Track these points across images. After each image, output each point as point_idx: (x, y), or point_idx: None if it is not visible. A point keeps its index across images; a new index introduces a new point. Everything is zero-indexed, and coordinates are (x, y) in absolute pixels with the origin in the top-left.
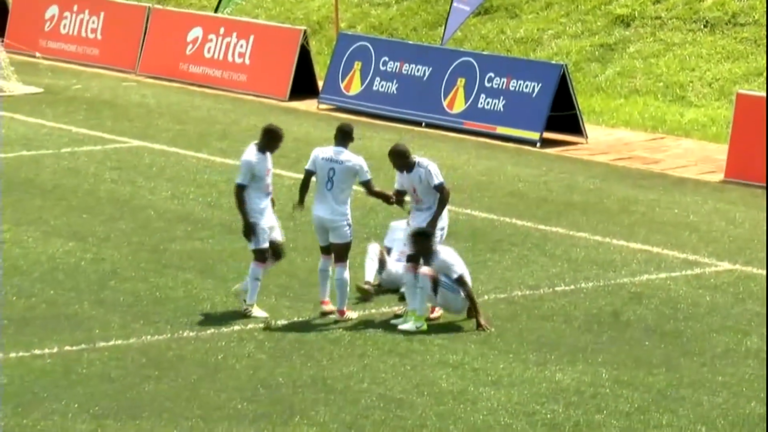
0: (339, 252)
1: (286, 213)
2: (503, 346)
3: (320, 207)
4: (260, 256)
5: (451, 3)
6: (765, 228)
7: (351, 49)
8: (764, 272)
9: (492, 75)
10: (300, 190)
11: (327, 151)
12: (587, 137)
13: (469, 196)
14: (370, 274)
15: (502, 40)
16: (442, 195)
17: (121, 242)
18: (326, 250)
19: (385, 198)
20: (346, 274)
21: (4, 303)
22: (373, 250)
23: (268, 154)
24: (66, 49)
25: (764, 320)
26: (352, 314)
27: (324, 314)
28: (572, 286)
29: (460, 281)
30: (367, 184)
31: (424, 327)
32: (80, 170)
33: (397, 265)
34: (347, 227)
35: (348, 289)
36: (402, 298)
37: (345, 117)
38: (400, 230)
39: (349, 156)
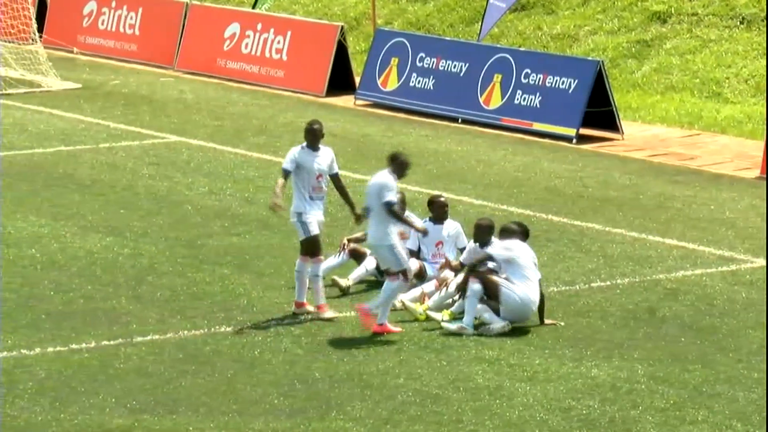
0: (305, 249)
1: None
2: (539, 342)
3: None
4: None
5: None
6: (765, 220)
7: (388, 45)
8: None
9: (528, 71)
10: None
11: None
12: (623, 133)
13: (506, 192)
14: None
15: (539, 36)
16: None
17: (159, 237)
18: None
19: (350, 206)
20: (321, 271)
21: (42, 298)
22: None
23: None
24: (104, 45)
25: None
26: (331, 313)
27: (296, 314)
28: (608, 282)
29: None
30: (334, 178)
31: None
32: (118, 165)
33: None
34: (299, 224)
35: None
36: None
37: (382, 113)
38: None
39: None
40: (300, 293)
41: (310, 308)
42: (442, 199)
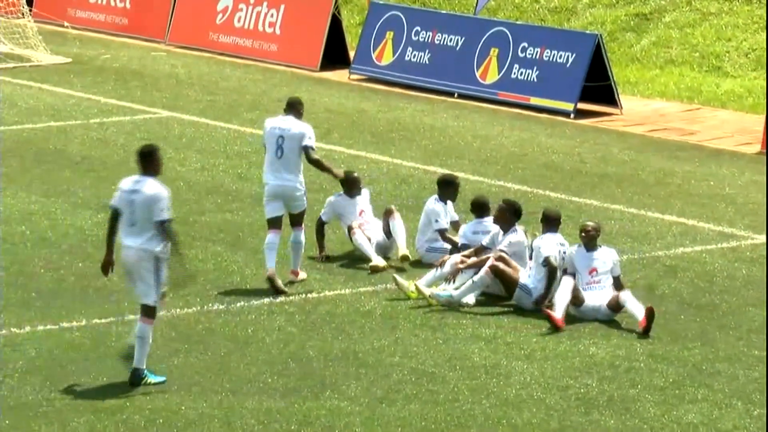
0: (298, 219)
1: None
2: (536, 320)
3: (273, 176)
4: None
5: None
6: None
7: (383, 18)
8: None
9: (526, 45)
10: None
11: (276, 120)
12: (622, 108)
13: (503, 168)
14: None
15: (536, 9)
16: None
17: None
18: (274, 222)
19: (330, 171)
20: (302, 237)
21: (32, 276)
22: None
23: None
24: (95, 19)
25: None
26: (303, 274)
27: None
28: None
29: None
30: (306, 151)
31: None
32: (109, 141)
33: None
34: (303, 195)
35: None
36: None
37: (377, 87)
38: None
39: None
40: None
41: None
42: (590, 224)
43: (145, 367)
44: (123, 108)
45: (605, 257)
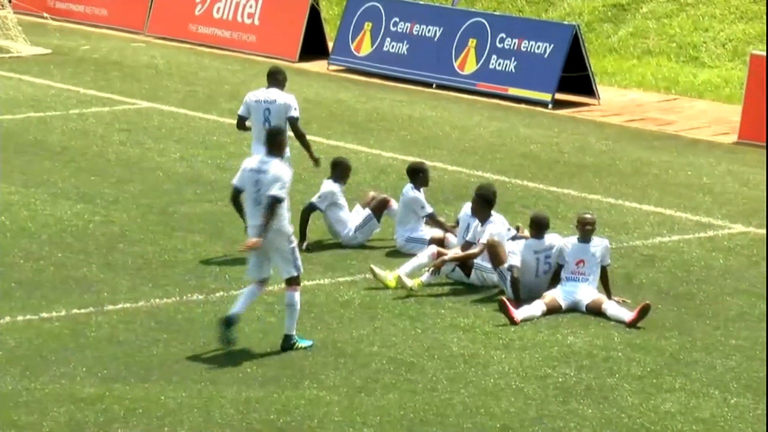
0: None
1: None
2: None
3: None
4: None
5: None
6: (765, 189)
7: (361, 9)
8: None
9: (503, 36)
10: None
11: (259, 93)
12: (600, 98)
13: (481, 158)
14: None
15: (514, 0)
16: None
17: (130, 204)
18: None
19: (309, 150)
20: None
21: (12, 266)
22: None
23: None
24: (74, 10)
25: None
26: None
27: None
28: None
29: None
30: (291, 122)
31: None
32: (89, 132)
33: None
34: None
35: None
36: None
37: (355, 78)
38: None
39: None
40: None
41: None
42: (588, 216)
43: (294, 332)
44: (102, 99)
45: (596, 248)
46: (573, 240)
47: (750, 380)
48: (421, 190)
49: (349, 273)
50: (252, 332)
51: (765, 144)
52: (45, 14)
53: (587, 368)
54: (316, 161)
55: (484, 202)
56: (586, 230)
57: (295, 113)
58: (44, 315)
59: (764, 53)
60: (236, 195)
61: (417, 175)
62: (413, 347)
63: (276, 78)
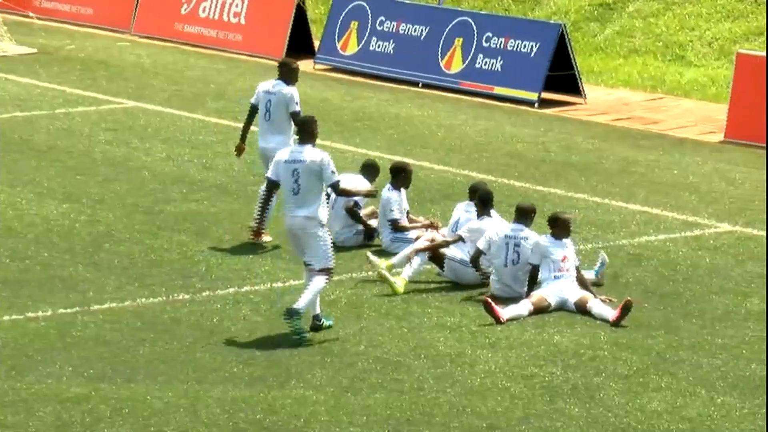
0: None
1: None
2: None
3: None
4: None
5: None
6: (765, 189)
7: (347, 8)
8: (764, 233)
9: (490, 34)
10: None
11: (267, 83)
12: (586, 97)
13: (467, 157)
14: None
15: None
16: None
17: (116, 204)
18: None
19: None
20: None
21: None
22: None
23: None
24: (60, 9)
25: (764, 282)
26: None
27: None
28: None
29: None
30: (293, 116)
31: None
32: (75, 131)
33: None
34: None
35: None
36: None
37: (341, 77)
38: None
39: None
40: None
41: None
42: (567, 214)
43: (302, 307)
44: (88, 98)
45: (571, 246)
46: (548, 238)
47: (736, 379)
48: (402, 190)
49: (336, 273)
50: (238, 332)
51: (765, 145)
52: (30, 13)
53: (574, 367)
54: None
55: (480, 200)
56: (565, 228)
57: (296, 107)
58: (30, 314)
59: (751, 52)
60: (270, 187)
61: (399, 174)
62: (400, 346)
63: (282, 70)
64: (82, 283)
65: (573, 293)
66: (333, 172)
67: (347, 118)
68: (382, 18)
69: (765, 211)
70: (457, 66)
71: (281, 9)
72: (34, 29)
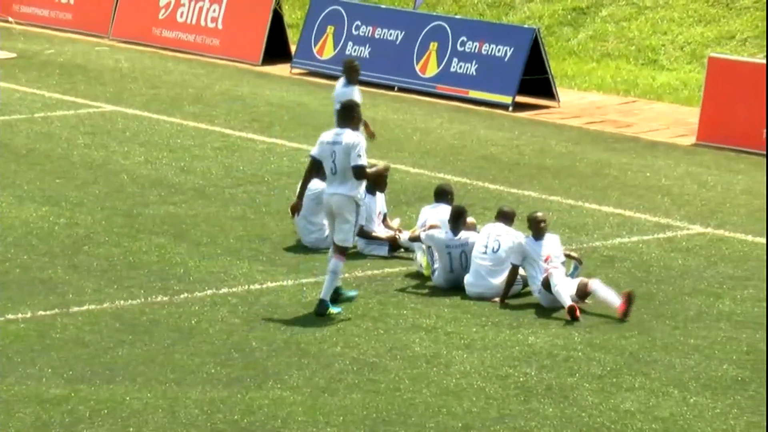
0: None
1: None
2: (476, 310)
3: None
4: None
5: None
6: (765, 192)
7: (324, 13)
8: (736, 235)
9: (464, 39)
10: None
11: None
12: (559, 101)
13: (442, 160)
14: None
15: (475, 3)
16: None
17: (95, 207)
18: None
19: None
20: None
21: None
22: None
23: None
24: (39, 14)
25: (737, 283)
26: None
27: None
28: None
29: None
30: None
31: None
32: (54, 135)
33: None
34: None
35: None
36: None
37: (318, 81)
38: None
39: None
40: None
41: None
42: (540, 214)
43: (328, 299)
44: (67, 102)
45: (553, 243)
46: (529, 240)
47: (708, 379)
48: (377, 194)
49: (313, 274)
50: (216, 333)
51: (766, 149)
52: (10, 18)
53: (548, 368)
54: (372, 135)
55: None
56: (540, 227)
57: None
58: (10, 316)
59: (723, 56)
60: (312, 165)
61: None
62: (376, 348)
63: (343, 71)
64: (61, 286)
65: (571, 284)
66: (360, 155)
67: (324, 122)
68: (358, 23)
69: (737, 213)
70: (432, 70)
71: (258, 14)
72: (13, 34)
